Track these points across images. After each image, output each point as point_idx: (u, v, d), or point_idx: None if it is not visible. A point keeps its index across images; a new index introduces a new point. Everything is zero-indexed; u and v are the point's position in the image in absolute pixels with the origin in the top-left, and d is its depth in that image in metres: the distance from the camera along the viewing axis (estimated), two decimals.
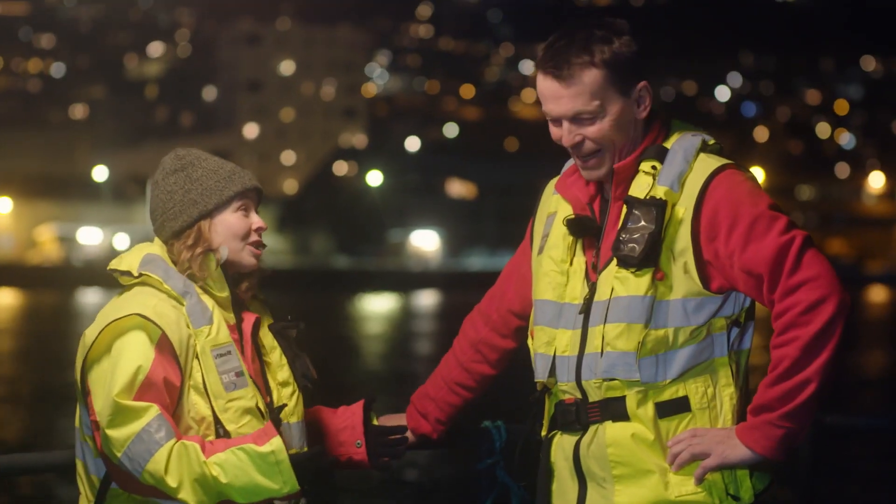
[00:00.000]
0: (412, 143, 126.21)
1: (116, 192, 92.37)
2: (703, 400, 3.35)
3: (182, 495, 3.28)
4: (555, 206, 3.57)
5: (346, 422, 3.74)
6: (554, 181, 3.61)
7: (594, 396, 3.40)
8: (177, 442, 3.28)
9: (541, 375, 3.51)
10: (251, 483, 3.29)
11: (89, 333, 3.39)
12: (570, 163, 3.55)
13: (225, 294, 3.48)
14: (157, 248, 3.51)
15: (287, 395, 3.53)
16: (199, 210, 3.47)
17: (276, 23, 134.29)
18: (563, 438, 3.47)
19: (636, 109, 3.40)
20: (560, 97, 3.37)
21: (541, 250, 3.55)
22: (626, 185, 3.41)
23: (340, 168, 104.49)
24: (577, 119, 3.38)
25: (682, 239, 3.33)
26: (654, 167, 3.38)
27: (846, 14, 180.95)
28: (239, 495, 3.30)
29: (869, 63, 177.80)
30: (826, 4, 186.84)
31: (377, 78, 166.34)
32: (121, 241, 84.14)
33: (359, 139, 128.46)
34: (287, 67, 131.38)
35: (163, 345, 3.35)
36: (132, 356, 3.32)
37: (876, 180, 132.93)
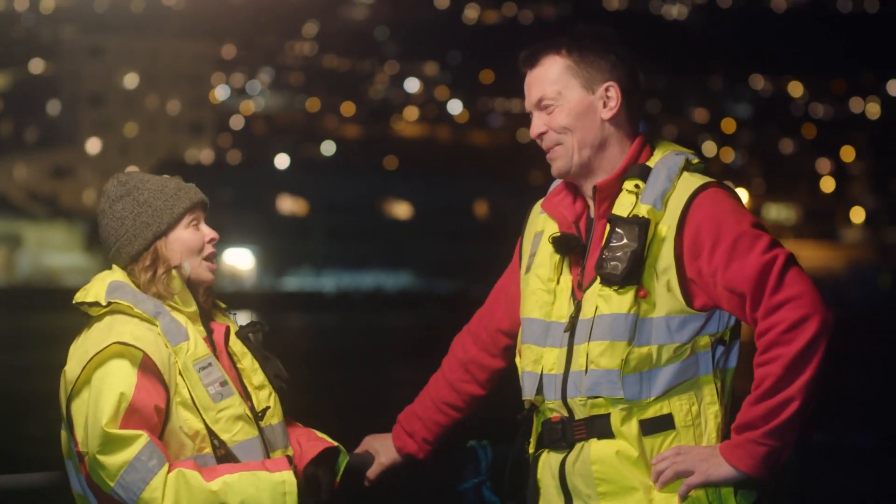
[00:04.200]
0: (282, 161, 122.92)
1: None
2: (688, 418, 3.37)
3: None
4: (542, 226, 3.58)
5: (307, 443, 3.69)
6: (541, 201, 3.61)
7: (580, 414, 3.42)
8: (171, 469, 3.31)
9: (528, 393, 3.52)
10: None
11: (70, 370, 3.40)
12: (556, 183, 3.58)
13: (192, 308, 3.51)
14: (118, 274, 3.52)
15: (265, 398, 3.55)
16: (153, 231, 3.49)
17: (125, 36, 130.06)
18: (549, 456, 3.49)
19: (600, 108, 3.45)
20: (528, 87, 3.50)
21: (528, 269, 3.56)
22: (610, 203, 3.44)
23: None
24: (540, 107, 3.47)
25: (666, 257, 3.35)
26: (637, 186, 3.40)
27: (737, 33, 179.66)
28: None
29: (758, 81, 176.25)
30: (717, 23, 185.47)
31: (258, 95, 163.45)
32: None
33: (206, 154, 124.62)
34: (131, 80, 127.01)
35: (146, 366, 3.37)
36: (114, 384, 3.33)
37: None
